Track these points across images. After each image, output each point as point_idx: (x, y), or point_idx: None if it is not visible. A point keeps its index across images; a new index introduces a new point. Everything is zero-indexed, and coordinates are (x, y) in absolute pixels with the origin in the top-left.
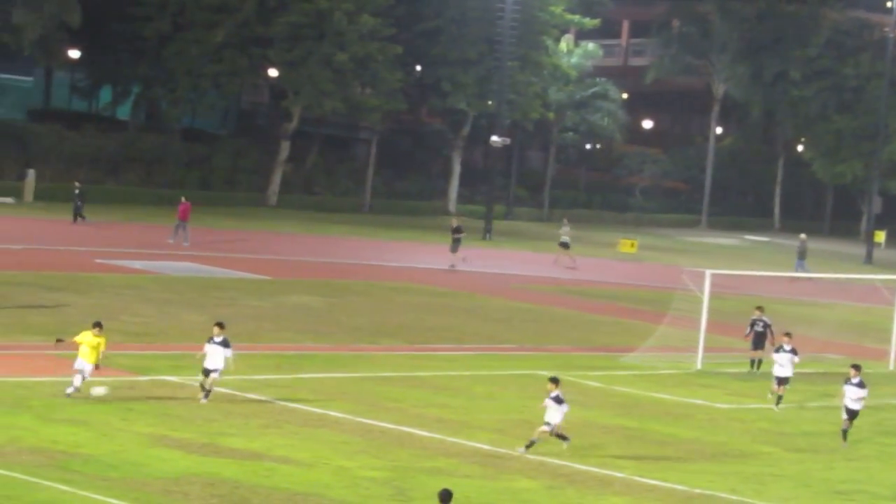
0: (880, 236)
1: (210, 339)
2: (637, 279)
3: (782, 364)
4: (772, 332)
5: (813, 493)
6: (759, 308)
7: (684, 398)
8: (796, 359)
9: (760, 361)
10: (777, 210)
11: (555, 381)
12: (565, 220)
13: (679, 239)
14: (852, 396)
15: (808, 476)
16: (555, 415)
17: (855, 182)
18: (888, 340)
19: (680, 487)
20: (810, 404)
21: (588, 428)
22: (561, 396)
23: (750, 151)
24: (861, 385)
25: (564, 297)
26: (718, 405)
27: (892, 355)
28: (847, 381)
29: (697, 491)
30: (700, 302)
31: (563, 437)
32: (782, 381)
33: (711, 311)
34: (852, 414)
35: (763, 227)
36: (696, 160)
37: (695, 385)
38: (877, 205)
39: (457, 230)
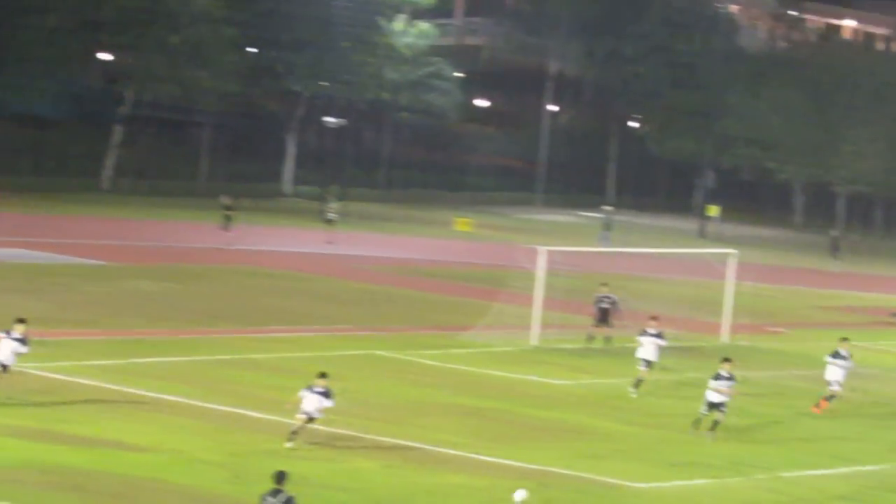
0: (714, 210)
1: (7, 333)
2: (473, 257)
3: (647, 347)
4: (618, 309)
5: (648, 466)
6: (605, 284)
7: (521, 375)
8: (662, 342)
9: (610, 338)
10: (612, 186)
11: (323, 375)
12: (331, 197)
13: (515, 217)
14: (716, 389)
15: (643, 449)
16: (311, 404)
17: (688, 157)
18: (721, 313)
19: (516, 464)
20: (646, 378)
21: (425, 406)
22: (330, 391)
23: (585, 128)
24: (730, 378)
25: (401, 277)
26: (555, 381)
27: (725, 328)
28: (717, 375)
29: (533, 467)
30: (535, 279)
31: (295, 433)
32: (648, 363)
33: (548, 287)
34: (715, 405)
35: (598, 203)
36: (531, 138)
37: (531, 361)
38: (710, 179)
39: (228, 207)
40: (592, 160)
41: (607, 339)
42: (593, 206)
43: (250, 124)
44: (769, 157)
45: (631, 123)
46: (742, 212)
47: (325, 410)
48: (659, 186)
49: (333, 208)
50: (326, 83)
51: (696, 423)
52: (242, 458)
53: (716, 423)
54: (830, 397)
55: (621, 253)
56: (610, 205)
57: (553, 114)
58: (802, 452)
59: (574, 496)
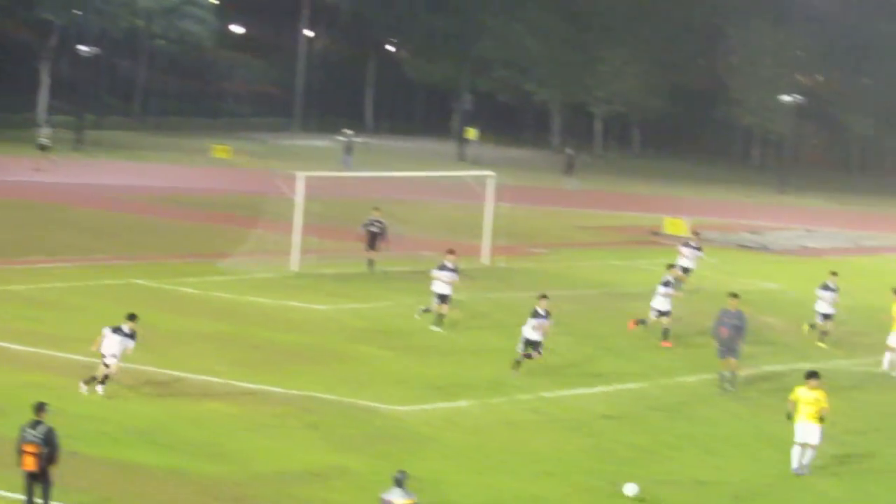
0: (472, 133)
1: None
2: (232, 185)
3: (444, 282)
4: (385, 235)
5: (411, 389)
6: (376, 208)
7: (281, 301)
8: (457, 277)
9: (374, 263)
10: (370, 111)
11: (132, 317)
12: (43, 122)
13: (273, 143)
14: (533, 326)
15: (405, 373)
16: (114, 346)
17: (446, 81)
18: (481, 236)
19: (278, 390)
20: (406, 301)
21: (185, 335)
22: (135, 333)
23: (341, 54)
24: (546, 315)
25: (159, 206)
26: (316, 306)
27: (485, 250)
28: (535, 312)
29: (296, 392)
30: (294, 205)
31: (102, 380)
32: (443, 298)
33: (307, 213)
34: (532, 344)
35: (356, 128)
36: (288, 64)
37: (292, 288)
38: (467, 103)
39: None
40: (350, 85)
41: (371, 264)
42: (351, 130)
43: (2, 54)
44: (526, 80)
45: (388, 48)
46: (500, 134)
47: (127, 351)
48: (417, 110)
49: (46, 134)
50: (79, 11)
51: (516, 364)
52: (1, 391)
53: (518, 363)
54: (666, 330)
55: (381, 177)
56: (351, 129)
57: (309, 40)
58: (563, 373)
59: (338, 421)
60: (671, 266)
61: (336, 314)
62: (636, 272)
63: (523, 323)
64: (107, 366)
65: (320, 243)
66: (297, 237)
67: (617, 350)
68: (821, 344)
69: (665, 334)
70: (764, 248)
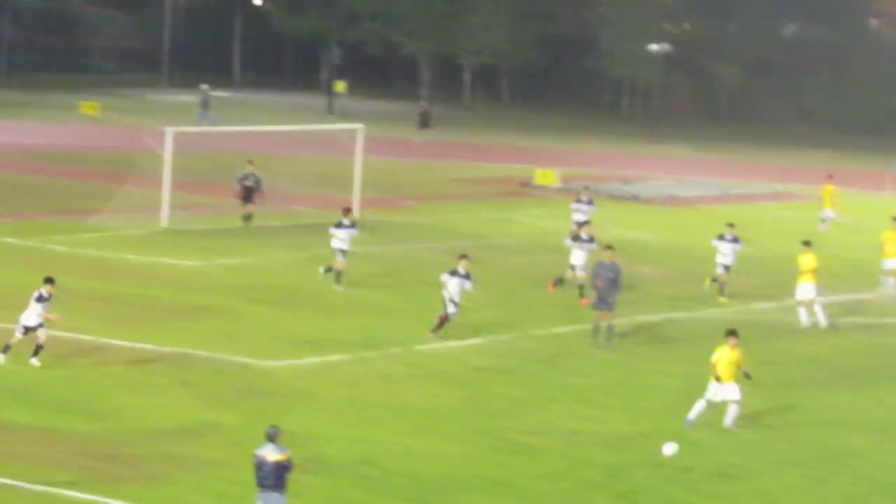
0: (341, 86)
1: None
2: (100, 141)
3: (342, 239)
4: (260, 189)
5: (284, 344)
6: (251, 162)
7: (152, 257)
8: (355, 232)
9: (251, 216)
10: (237, 65)
11: (49, 280)
12: None
13: (141, 98)
14: (455, 289)
15: (278, 328)
16: (31, 317)
17: (313, 33)
18: (351, 189)
19: (150, 347)
20: (277, 256)
21: (56, 293)
22: (50, 295)
23: (208, 7)
24: (467, 277)
25: (25, 163)
26: (186, 262)
27: (355, 203)
28: (454, 272)
29: (167, 349)
30: (163, 161)
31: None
32: (343, 253)
33: (177, 169)
34: (455, 304)
35: (224, 83)
36: (154, 19)
37: (162, 244)
38: (335, 55)
39: None
40: (217, 40)
41: (247, 218)
42: (219, 85)
43: None
44: (394, 31)
45: (255, 1)
46: (370, 87)
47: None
48: (285, 64)
49: None
50: None
51: (441, 325)
52: None
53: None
54: (581, 286)
55: (251, 131)
56: (217, 83)
57: None
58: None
59: (211, 377)
60: (581, 224)
61: (207, 270)
62: (508, 224)
63: (397, 277)
64: (19, 338)
65: (189, 199)
66: (166, 193)
67: (491, 302)
68: (721, 298)
69: (580, 290)
70: (634, 198)
